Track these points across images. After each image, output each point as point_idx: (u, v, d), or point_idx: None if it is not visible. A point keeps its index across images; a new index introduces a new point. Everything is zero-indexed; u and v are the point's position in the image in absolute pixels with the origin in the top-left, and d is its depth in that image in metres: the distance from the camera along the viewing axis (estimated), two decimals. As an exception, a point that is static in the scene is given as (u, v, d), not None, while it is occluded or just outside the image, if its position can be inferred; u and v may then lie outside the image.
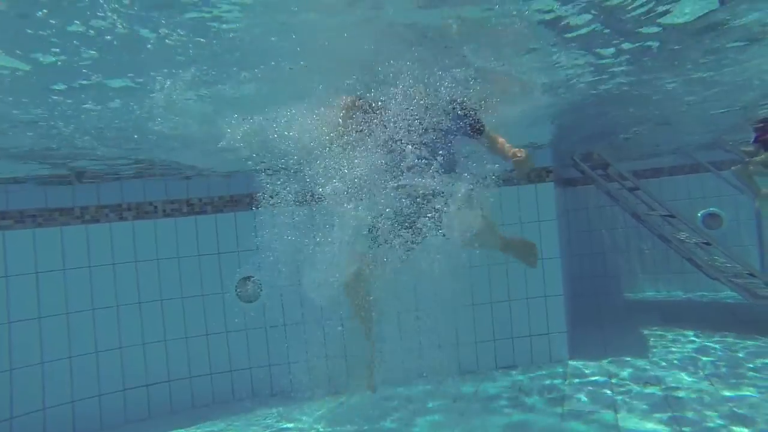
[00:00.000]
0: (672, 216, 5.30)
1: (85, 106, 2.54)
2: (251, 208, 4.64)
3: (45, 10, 1.67)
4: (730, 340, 4.86)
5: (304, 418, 4.11)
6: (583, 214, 7.73)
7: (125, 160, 3.82)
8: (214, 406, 4.57)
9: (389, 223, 2.44)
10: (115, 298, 4.48)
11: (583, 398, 3.90)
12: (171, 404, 4.58)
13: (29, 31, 1.78)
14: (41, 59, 2.00)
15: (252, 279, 4.81)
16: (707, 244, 5.07)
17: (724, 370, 4.15)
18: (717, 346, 4.76)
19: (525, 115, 3.64)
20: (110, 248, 4.51)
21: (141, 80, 2.32)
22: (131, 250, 4.58)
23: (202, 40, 1.99)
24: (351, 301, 2.76)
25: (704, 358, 4.47)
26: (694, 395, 3.71)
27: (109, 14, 1.72)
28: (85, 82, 2.26)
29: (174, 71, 2.26)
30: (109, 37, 1.87)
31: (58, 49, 1.93)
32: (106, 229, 4.51)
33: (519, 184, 4.91)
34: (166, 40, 1.96)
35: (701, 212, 7.24)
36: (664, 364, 4.44)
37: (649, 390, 3.89)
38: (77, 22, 1.76)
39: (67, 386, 4.23)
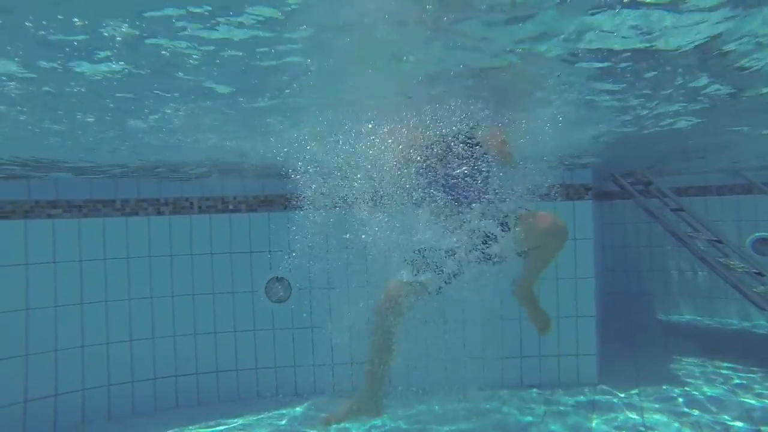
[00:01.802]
0: (719, 241, 5.03)
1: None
2: (285, 209, 4.69)
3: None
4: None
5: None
6: (620, 228, 7.45)
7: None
8: (240, 401, 4.67)
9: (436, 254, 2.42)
10: (150, 289, 4.63)
11: (611, 426, 3.77)
12: (198, 396, 4.70)
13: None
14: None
15: (282, 280, 4.87)
16: (759, 274, 4.76)
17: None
18: (762, 386, 4.51)
19: (596, 141, 3.52)
20: (147, 241, 4.65)
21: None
22: (167, 243, 4.71)
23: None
24: (377, 326, 2.71)
25: (746, 399, 4.24)
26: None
27: None
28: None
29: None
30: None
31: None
32: (144, 223, 4.65)
33: (556, 200, 4.75)
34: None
35: (752, 236, 6.81)
36: (701, 399, 4.24)
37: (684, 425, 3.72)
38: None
39: (104, 370, 4.42)
